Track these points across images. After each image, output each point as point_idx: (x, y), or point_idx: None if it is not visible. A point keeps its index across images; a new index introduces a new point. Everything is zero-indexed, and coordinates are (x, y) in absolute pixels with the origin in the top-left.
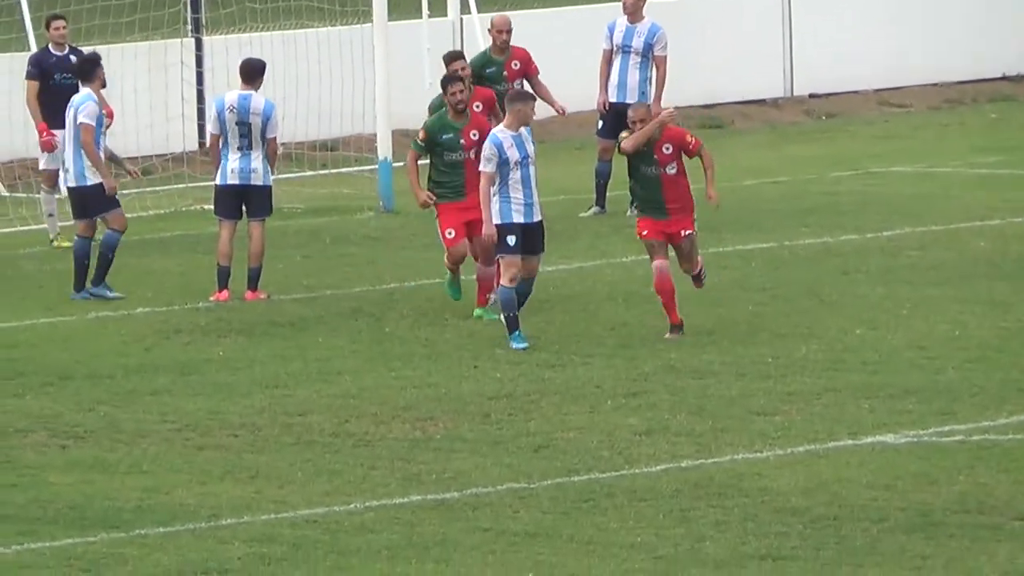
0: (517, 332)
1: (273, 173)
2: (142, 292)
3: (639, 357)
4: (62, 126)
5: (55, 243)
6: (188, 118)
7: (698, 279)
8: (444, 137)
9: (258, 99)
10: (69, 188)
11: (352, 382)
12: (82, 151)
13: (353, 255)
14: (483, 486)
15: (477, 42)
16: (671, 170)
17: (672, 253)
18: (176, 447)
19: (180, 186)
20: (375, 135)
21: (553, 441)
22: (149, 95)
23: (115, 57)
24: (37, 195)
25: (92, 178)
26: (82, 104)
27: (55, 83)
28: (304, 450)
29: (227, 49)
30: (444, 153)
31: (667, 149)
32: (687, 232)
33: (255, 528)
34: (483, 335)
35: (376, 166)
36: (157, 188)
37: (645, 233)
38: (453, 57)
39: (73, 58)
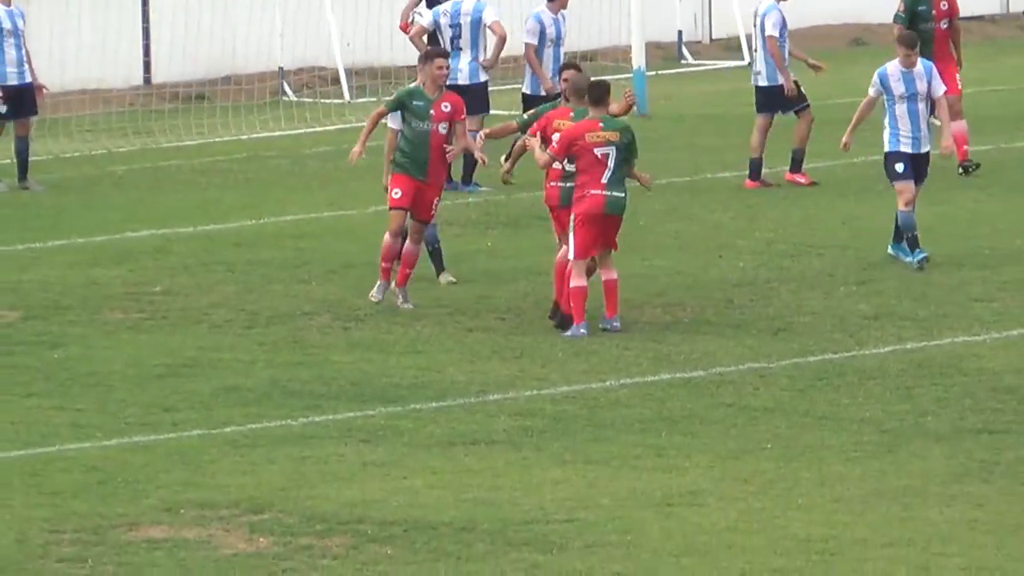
0: (919, 249)
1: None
2: None
3: (868, 248)
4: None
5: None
6: None
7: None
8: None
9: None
10: None
11: None
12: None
13: None
14: (726, 365)
15: None
16: None
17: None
18: (448, 329)
19: None
20: (630, 46)
21: (790, 324)
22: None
23: None
24: (321, 100)
25: None
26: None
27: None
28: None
29: None
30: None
31: None
32: None
33: (519, 403)
34: (728, 228)
35: (631, 74)
36: None
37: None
38: (438, 54)
39: None
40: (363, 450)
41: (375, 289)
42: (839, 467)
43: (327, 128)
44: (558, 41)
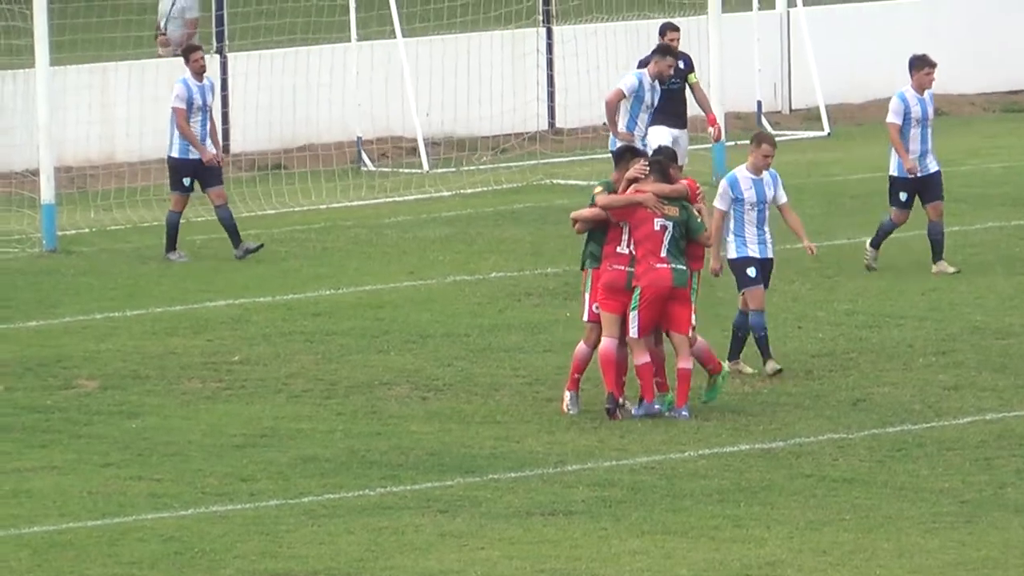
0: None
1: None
2: (496, 259)
3: (947, 319)
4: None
5: None
6: (540, 100)
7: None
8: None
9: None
10: None
11: None
12: None
13: None
14: (805, 436)
15: (802, 35)
16: None
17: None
18: (527, 399)
19: (532, 162)
20: None
21: (869, 395)
22: (511, 80)
23: (475, 46)
24: (400, 170)
25: None
26: None
27: (665, 88)
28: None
29: (575, 38)
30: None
31: None
32: None
33: (598, 473)
34: (806, 299)
35: (709, 145)
36: (511, 164)
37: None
38: (635, 154)
39: (682, 64)
40: (440, 520)
41: (569, 401)
42: (918, 538)
43: (406, 198)
44: (924, 122)
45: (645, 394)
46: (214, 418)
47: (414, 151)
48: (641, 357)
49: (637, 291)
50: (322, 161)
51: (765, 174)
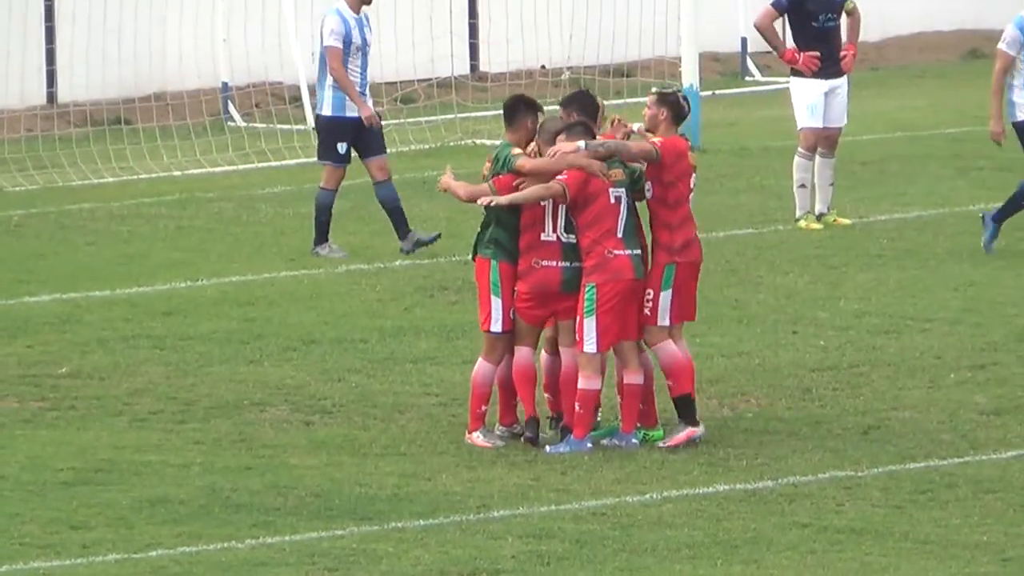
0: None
1: None
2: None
3: (987, 323)
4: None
5: (802, 223)
6: (458, 35)
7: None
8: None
9: None
10: None
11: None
12: None
13: None
14: (802, 475)
15: None
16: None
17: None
18: (440, 425)
19: (448, 116)
20: (679, 58)
21: (885, 422)
22: (419, 7)
23: None
24: (277, 126)
25: None
26: None
27: (818, 26)
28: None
29: None
30: None
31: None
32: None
33: (532, 522)
34: (804, 295)
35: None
36: (421, 119)
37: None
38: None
39: None
40: None
41: (481, 436)
42: None
43: (285, 162)
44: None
45: (578, 428)
46: (35, 448)
47: (295, 101)
48: (594, 381)
49: (591, 290)
50: (174, 114)
51: None
